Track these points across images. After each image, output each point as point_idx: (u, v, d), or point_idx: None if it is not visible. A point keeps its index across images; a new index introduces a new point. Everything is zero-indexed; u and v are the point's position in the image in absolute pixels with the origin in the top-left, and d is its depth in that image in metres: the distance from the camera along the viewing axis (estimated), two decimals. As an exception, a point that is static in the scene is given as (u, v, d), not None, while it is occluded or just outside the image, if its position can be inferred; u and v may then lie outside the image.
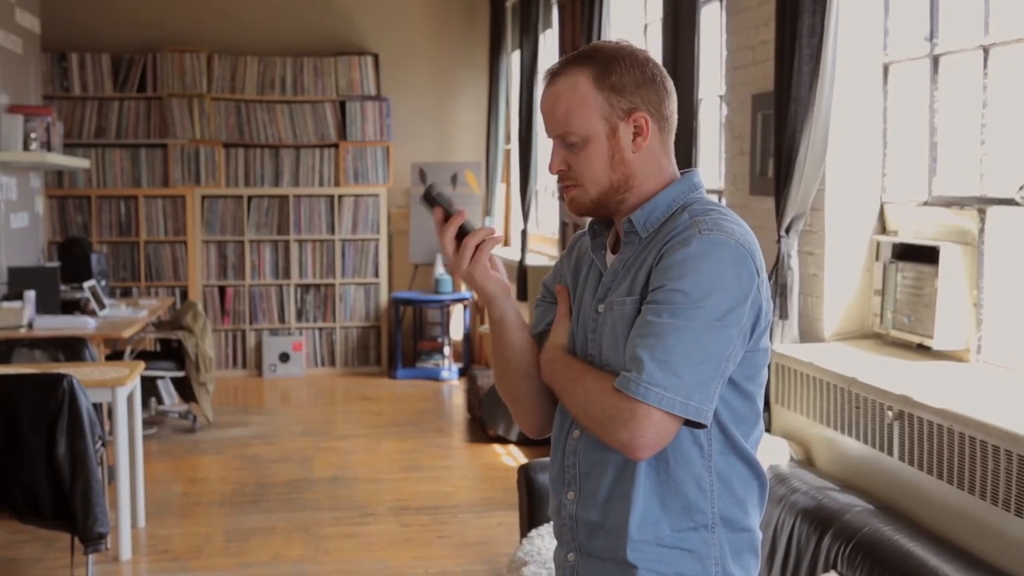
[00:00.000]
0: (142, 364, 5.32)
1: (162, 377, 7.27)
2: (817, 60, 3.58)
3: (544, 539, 3.76)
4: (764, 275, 1.75)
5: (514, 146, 8.83)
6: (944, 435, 2.85)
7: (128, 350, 7.01)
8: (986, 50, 3.27)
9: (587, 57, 1.81)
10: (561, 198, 2.01)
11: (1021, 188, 3.03)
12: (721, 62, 4.79)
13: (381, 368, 9.48)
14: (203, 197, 9.22)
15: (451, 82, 9.75)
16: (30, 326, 6.16)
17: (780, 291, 3.78)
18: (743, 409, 1.78)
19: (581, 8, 6.37)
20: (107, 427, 5.47)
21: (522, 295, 7.77)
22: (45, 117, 7.04)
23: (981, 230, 3.32)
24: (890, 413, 3.09)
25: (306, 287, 9.46)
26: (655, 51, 5.37)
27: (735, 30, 4.53)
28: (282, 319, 9.41)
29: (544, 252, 8.28)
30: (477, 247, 1.81)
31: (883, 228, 3.85)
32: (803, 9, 3.59)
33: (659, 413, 1.65)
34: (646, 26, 6.32)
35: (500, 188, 9.51)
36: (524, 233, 8.02)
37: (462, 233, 1.82)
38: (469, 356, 9.26)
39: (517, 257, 8.03)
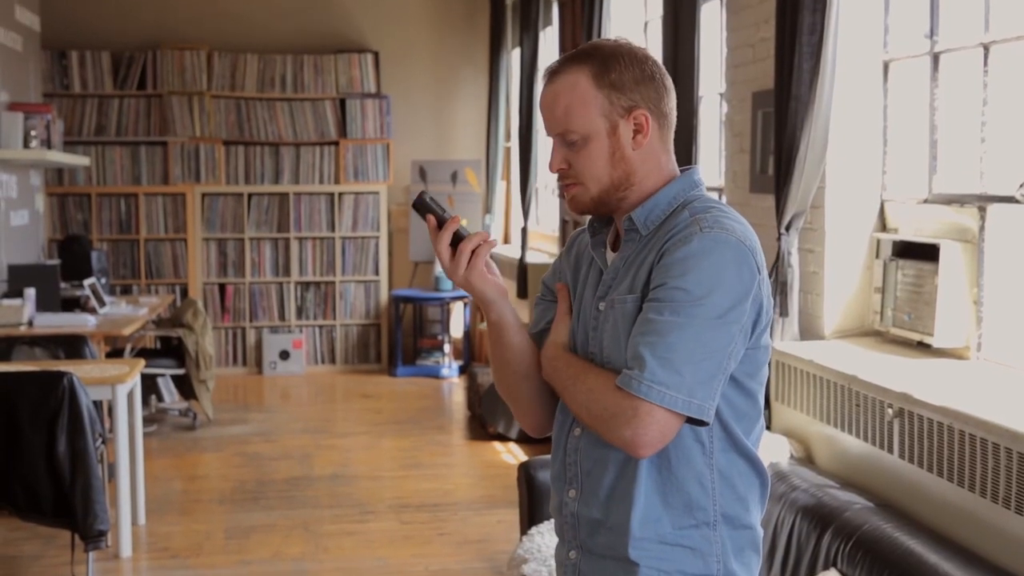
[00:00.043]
0: (142, 362, 5.32)
1: (162, 375, 7.28)
2: (817, 58, 3.58)
3: (544, 536, 3.76)
4: (765, 272, 1.75)
5: (514, 144, 8.82)
6: (944, 433, 2.85)
7: (128, 348, 7.01)
8: (986, 48, 3.27)
9: (586, 55, 1.81)
10: (561, 196, 2.00)
11: (1021, 186, 3.03)
12: (721, 60, 4.79)
13: (381, 366, 9.48)
14: (203, 195, 9.22)
15: (451, 80, 9.75)
16: (30, 324, 6.16)
17: (780, 289, 3.78)
18: (744, 406, 1.78)
19: (581, 6, 6.36)
20: (107, 424, 5.47)
21: (522, 293, 7.77)
22: (45, 115, 7.04)
23: (981, 228, 3.32)
24: (890, 411, 3.10)
25: (306, 285, 9.46)
26: (655, 49, 5.37)
27: (735, 28, 4.53)
28: (282, 317, 9.41)
29: (544, 250, 8.29)
30: (473, 252, 1.81)
31: (883, 226, 3.85)
32: (803, 7, 3.59)
33: (661, 411, 1.65)
34: (646, 24, 6.32)
35: (500, 186, 9.51)
36: (524, 231, 8.02)
37: (457, 239, 1.81)
38: (469, 353, 9.27)
39: (517, 255, 8.04)
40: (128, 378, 4.88)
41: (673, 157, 1.87)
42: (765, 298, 1.75)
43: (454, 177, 9.39)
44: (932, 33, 3.57)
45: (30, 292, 6.30)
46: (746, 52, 4.41)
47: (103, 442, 4.75)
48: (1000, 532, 2.65)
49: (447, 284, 9.11)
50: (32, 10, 7.90)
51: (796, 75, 3.63)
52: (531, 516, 3.92)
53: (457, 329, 9.51)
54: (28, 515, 4.48)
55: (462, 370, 9.14)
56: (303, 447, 6.81)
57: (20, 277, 6.58)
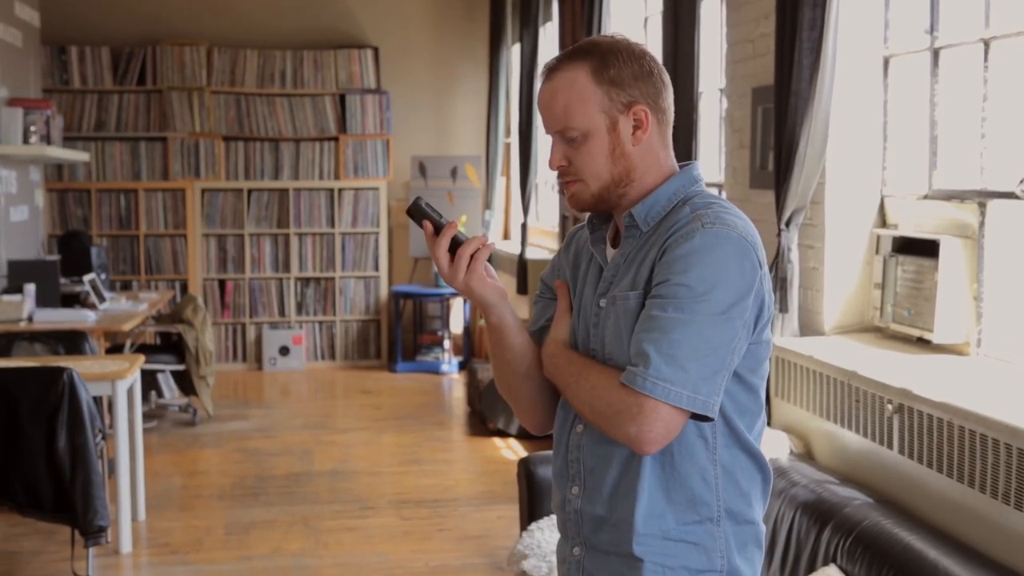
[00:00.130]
0: (142, 357, 5.32)
1: (162, 370, 7.28)
2: (817, 53, 3.57)
3: (544, 532, 3.76)
4: (766, 268, 1.75)
5: (514, 139, 8.82)
6: (944, 428, 2.85)
7: (128, 343, 7.02)
8: (987, 43, 3.27)
9: (584, 52, 1.81)
10: (561, 193, 2.00)
11: (1021, 181, 3.03)
12: (721, 55, 4.79)
13: (381, 361, 9.48)
14: (203, 190, 9.22)
15: (451, 75, 9.75)
16: (30, 319, 6.16)
17: (780, 284, 3.78)
18: (747, 401, 1.79)
19: (581, 2, 6.36)
20: (107, 420, 5.48)
21: (522, 289, 7.77)
22: (45, 110, 7.04)
23: (981, 223, 3.32)
24: (890, 406, 3.10)
25: (306, 280, 9.46)
26: (655, 44, 5.37)
27: (735, 23, 4.52)
28: (282, 312, 9.41)
29: (544, 246, 8.28)
30: (471, 257, 1.80)
31: (883, 221, 3.85)
32: (803, 2, 3.59)
33: (666, 407, 1.65)
34: (646, 19, 6.32)
35: (500, 181, 9.50)
36: (524, 227, 8.02)
37: (455, 244, 1.80)
38: (469, 349, 9.27)
39: (517, 251, 8.03)
40: (128, 374, 4.88)
41: (672, 153, 1.87)
42: (767, 293, 1.75)
43: (454, 173, 9.39)
44: (932, 29, 3.57)
45: (30, 288, 6.30)
46: (746, 48, 4.40)
47: (103, 438, 4.75)
48: (1000, 528, 2.65)
49: (447, 280, 9.09)
50: (32, 6, 7.90)
51: (796, 71, 3.63)
52: (531, 512, 3.92)
53: (457, 325, 9.51)
54: (28, 511, 4.49)
55: (462, 366, 9.14)
56: (303, 443, 6.81)
57: (20, 273, 6.58)
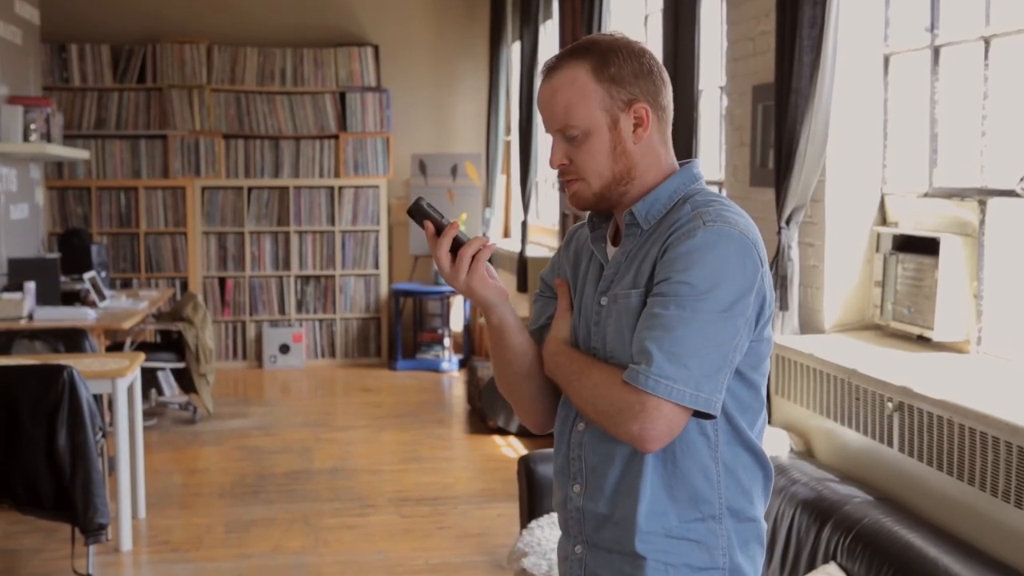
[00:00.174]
0: (142, 355, 5.32)
1: (162, 368, 7.28)
2: (818, 51, 3.57)
3: (544, 530, 3.76)
4: (767, 265, 1.76)
5: (514, 137, 8.82)
6: (944, 426, 2.85)
7: (128, 341, 7.02)
8: (987, 41, 3.27)
9: (584, 50, 1.81)
10: (562, 191, 2.00)
11: (1022, 179, 3.03)
12: (721, 53, 4.78)
13: (381, 359, 9.48)
14: (203, 188, 9.22)
15: (451, 73, 9.74)
16: (30, 317, 6.16)
17: (780, 282, 3.78)
18: (748, 398, 1.79)
19: (581, -1, 6.36)
20: (107, 418, 5.48)
21: (522, 287, 7.77)
22: (45, 108, 7.04)
23: (981, 221, 3.32)
24: (890, 404, 3.10)
25: (306, 278, 9.46)
26: (655, 42, 5.37)
27: (735, 21, 4.52)
28: (282, 310, 9.41)
29: (544, 243, 8.28)
30: (473, 258, 1.80)
31: (883, 219, 3.85)
32: (804, 0, 3.58)
33: (669, 405, 1.65)
34: (646, 17, 6.31)
35: (500, 179, 9.50)
36: (524, 224, 8.02)
37: (456, 245, 1.79)
38: (469, 347, 9.27)
39: (517, 248, 8.03)
40: (128, 372, 4.88)
41: (672, 151, 1.87)
42: (768, 290, 1.76)
43: (454, 171, 9.38)
44: (933, 27, 3.57)
45: (30, 286, 6.30)
46: (746, 45, 4.40)
47: (103, 436, 4.76)
48: (1000, 526, 2.65)
49: (447, 278, 9.09)
50: (31, 3, 7.89)
51: (796, 68, 3.62)
52: (531, 510, 3.92)
53: (457, 323, 9.51)
54: (28, 509, 4.49)
55: (462, 364, 9.14)
56: (303, 441, 6.82)
57: (20, 271, 6.58)
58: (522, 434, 6.76)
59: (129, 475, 4.93)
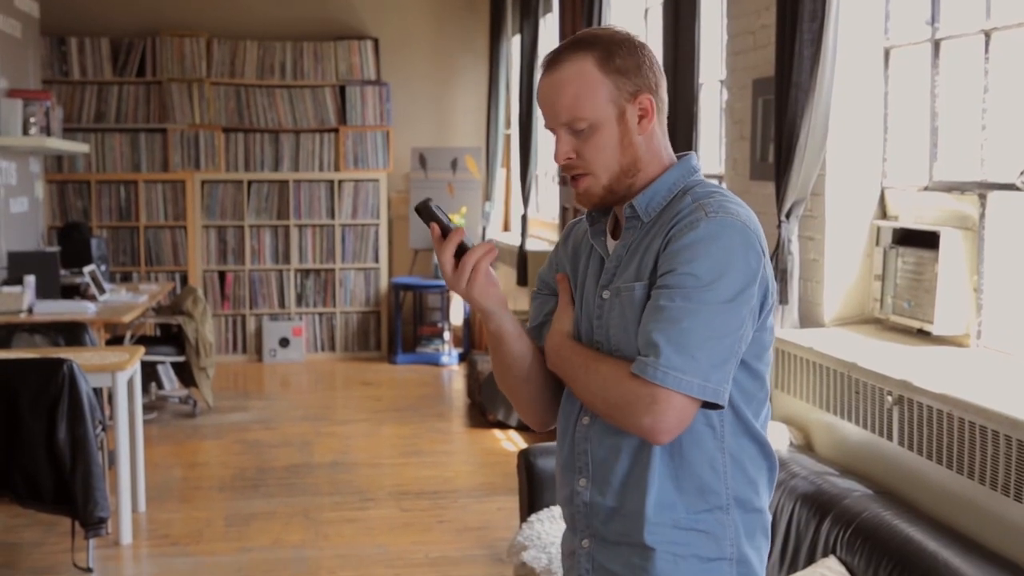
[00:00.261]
0: (142, 349, 5.32)
1: (162, 362, 7.28)
2: (818, 45, 3.57)
3: (544, 524, 3.76)
4: (768, 255, 1.76)
5: (514, 131, 8.81)
6: (944, 420, 2.85)
7: (128, 335, 7.01)
8: (987, 34, 3.26)
9: (587, 43, 1.80)
10: (562, 183, 2.00)
11: (1022, 173, 3.03)
12: (722, 47, 4.78)
13: (381, 353, 9.48)
14: (203, 182, 9.21)
15: (451, 67, 9.73)
16: (30, 311, 6.16)
17: (780, 276, 3.78)
18: (753, 388, 1.79)
19: (581, -8, 6.35)
20: (107, 412, 5.48)
21: (522, 280, 7.77)
22: (44, 101, 7.03)
23: (982, 215, 3.31)
24: (890, 398, 3.10)
25: (306, 272, 9.46)
26: (656, 35, 5.37)
27: (736, 15, 4.51)
28: (282, 304, 9.41)
29: (544, 237, 8.28)
30: (474, 266, 1.79)
31: (883, 213, 3.85)
32: (804, -7, 3.58)
33: (679, 397, 1.65)
34: (647, 10, 6.31)
35: (500, 173, 9.50)
36: (524, 218, 8.01)
37: (461, 250, 1.79)
38: (469, 341, 9.27)
39: (517, 242, 8.03)
40: (128, 365, 4.88)
41: (669, 143, 1.87)
42: (770, 280, 1.76)
43: (454, 164, 9.38)
44: (933, 20, 3.56)
45: (30, 279, 6.30)
46: (747, 39, 4.40)
47: (103, 429, 4.76)
48: (999, 519, 2.65)
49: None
50: (31, -3, 7.89)
51: (797, 62, 3.62)
52: (531, 503, 3.92)
53: (457, 317, 9.51)
54: (28, 502, 4.49)
55: (462, 358, 9.14)
56: (303, 434, 6.82)
57: (20, 264, 6.58)
58: (522, 428, 6.76)
59: (129, 469, 4.93)
